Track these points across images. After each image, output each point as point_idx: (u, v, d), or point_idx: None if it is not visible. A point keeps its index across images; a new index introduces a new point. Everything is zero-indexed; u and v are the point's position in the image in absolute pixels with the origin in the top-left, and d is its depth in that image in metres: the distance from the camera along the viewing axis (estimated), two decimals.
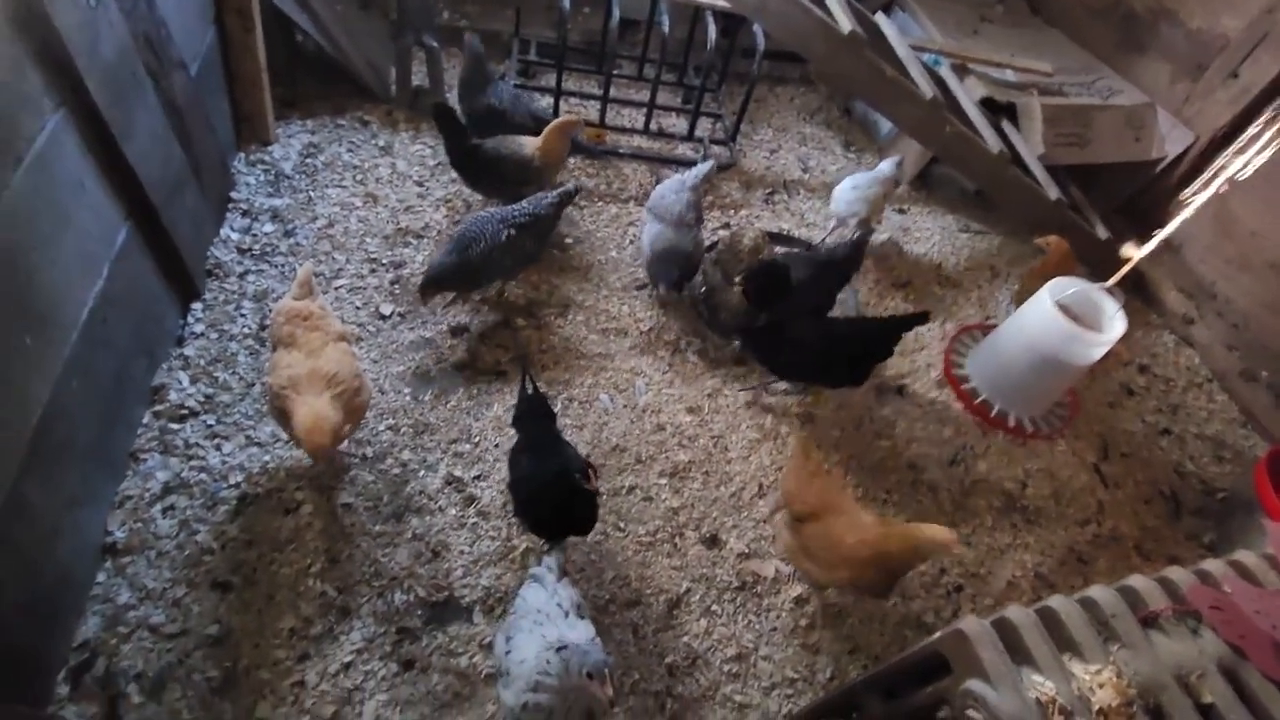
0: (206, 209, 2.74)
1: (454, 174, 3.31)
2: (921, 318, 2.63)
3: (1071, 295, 2.80)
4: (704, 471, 2.57)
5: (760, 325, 2.72)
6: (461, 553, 2.22)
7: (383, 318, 2.76)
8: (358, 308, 2.77)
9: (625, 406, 2.70)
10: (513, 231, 2.63)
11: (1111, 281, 3.02)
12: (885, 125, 4.16)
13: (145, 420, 2.28)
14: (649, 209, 2.99)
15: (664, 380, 2.80)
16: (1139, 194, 3.84)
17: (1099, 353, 2.67)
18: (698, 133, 3.88)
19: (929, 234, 3.76)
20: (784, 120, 4.30)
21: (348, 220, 3.04)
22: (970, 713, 1.20)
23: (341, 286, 2.82)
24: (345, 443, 2.22)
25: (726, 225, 3.50)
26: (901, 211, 3.87)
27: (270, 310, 2.65)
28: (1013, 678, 1.20)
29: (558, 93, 3.56)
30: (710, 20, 3.50)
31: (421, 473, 2.37)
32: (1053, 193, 3.42)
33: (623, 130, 3.85)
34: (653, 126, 3.86)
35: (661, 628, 2.18)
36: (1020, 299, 3.10)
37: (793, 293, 2.66)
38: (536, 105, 3.30)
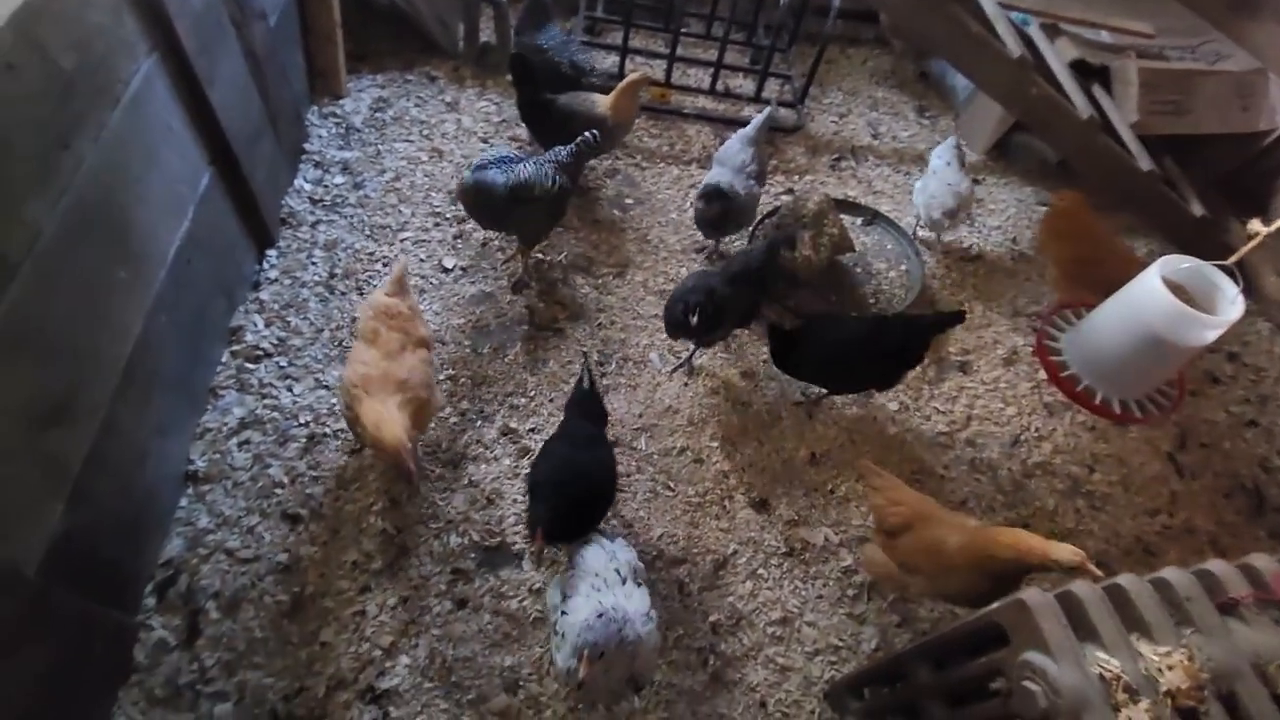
0: (282, 159, 2.83)
1: (518, 131, 3.32)
2: (956, 317, 2.37)
3: (1184, 272, 2.61)
4: (756, 438, 2.56)
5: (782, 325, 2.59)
6: (514, 501, 2.27)
7: (445, 270, 2.82)
8: (421, 260, 2.83)
9: (680, 368, 2.70)
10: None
11: (1234, 259, 2.71)
12: (963, 89, 3.96)
13: (224, 359, 2.40)
14: (716, 159, 2.93)
15: (720, 345, 2.78)
16: (1243, 169, 3.56)
17: (1212, 335, 2.49)
18: (765, 94, 3.78)
19: (1004, 206, 3.58)
20: (855, 83, 4.14)
21: (414, 174, 3.10)
22: (1027, 684, 1.17)
23: (406, 239, 2.88)
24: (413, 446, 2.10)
25: (790, 190, 3.42)
26: (976, 182, 3.70)
27: (340, 259, 2.75)
28: (1075, 652, 1.17)
29: (624, 50, 3.50)
30: None
31: (479, 423, 2.43)
32: (1144, 163, 3.20)
33: (688, 90, 3.77)
34: (719, 87, 3.78)
35: (707, 587, 2.20)
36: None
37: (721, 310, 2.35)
38: (581, 56, 3.21)
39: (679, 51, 3.64)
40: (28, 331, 1.48)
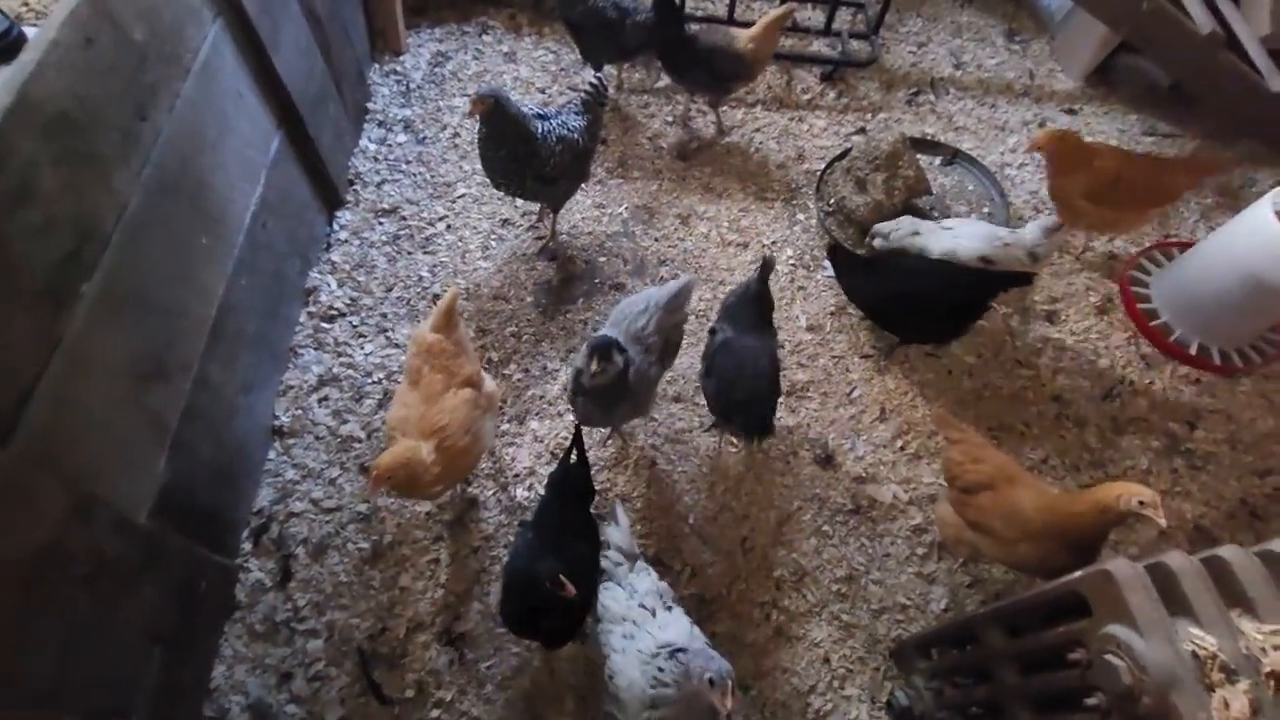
0: (346, 120, 2.87)
1: (576, 79, 3.25)
2: (1022, 278, 2.20)
3: None
4: (822, 392, 2.49)
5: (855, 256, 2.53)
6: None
7: (506, 223, 2.82)
8: (483, 216, 2.84)
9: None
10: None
11: None
12: (1059, 8, 3.58)
13: (301, 319, 2.51)
14: (610, 318, 2.10)
15: (784, 297, 2.69)
16: None
17: None
18: (835, 25, 3.53)
19: (1104, 138, 3.26)
20: (935, 8, 3.81)
21: (473, 129, 3.07)
22: (1110, 658, 1.11)
23: (466, 196, 2.89)
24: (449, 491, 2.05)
25: (862, 130, 3.22)
26: (1071, 112, 3.38)
27: (405, 217, 2.79)
28: (1165, 627, 1.09)
29: None
30: None
31: (542, 379, 2.46)
32: (1275, 84, 2.83)
33: (750, 24, 3.56)
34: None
35: (770, 543, 2.19)
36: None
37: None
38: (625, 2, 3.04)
39: None
40: (125, 295, 1.58)
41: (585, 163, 2.58)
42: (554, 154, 2.37)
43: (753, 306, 2.13)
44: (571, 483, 1.92)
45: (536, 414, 2.40)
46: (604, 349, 1.76)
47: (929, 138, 3.14)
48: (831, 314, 2.67)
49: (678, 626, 1.58)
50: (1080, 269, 2.84)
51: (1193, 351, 2.59)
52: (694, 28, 2.94)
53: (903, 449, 2.38)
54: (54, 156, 1.38)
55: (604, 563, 1.80)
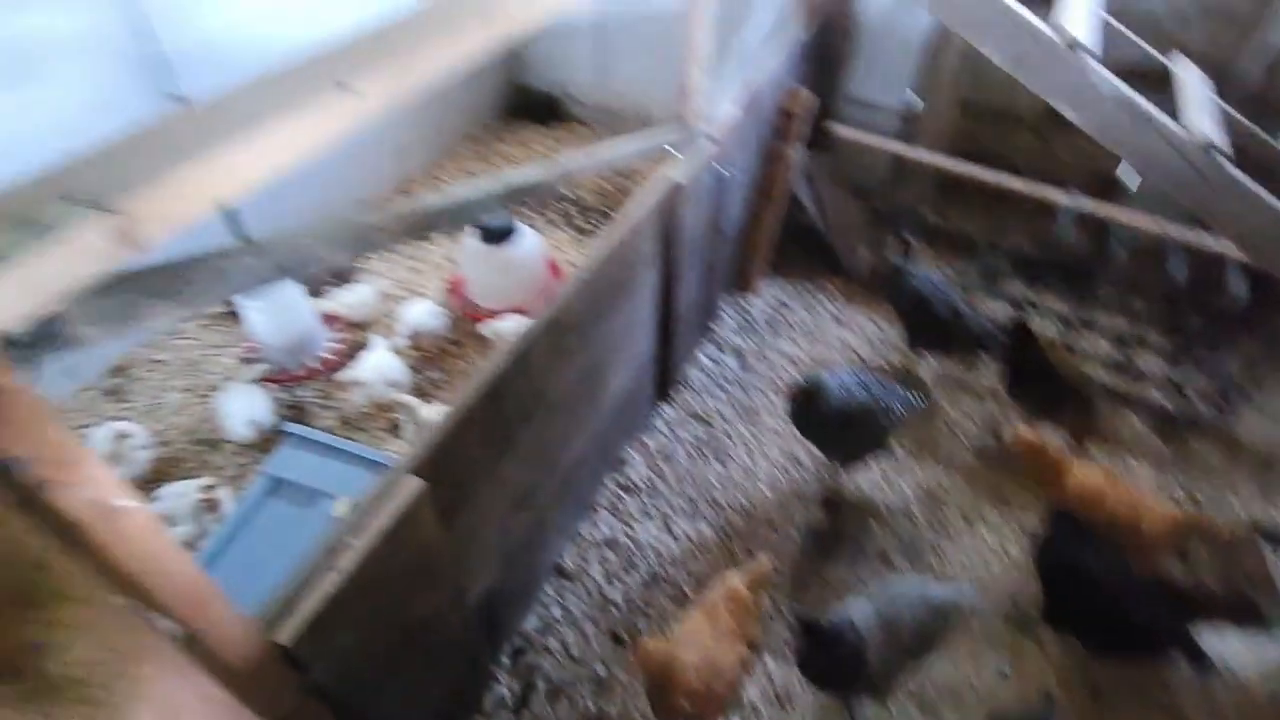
0: (695, 334, 3.50)
1: (892, 356, 3.56)
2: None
3: None
4: None
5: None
6: (805, 690, 2.31)
7: (797, 463, 3.10)
8: (779, 450, 3.16)
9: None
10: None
11: None
12: None
13: (607, 482, 2.98)
14: None
15: None
16: None
17: None
18: (1179, 374, 3.43)
19: None
20: None
21: (791, 372, 3.52)
22: None
23: (769, 428, 3.26)
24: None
25: (1194, 499, 2.99)
26: None
27: (714, 428, 3.22)
28: None
29: (1025, 305, 3.56)
30: (1233, 274, 3.14)
31: (784, 621, 2.56)
32: None
33: (1089, 358, 3.56)
34: (1118, 357, 3.55)
35: None
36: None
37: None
38: (956, 298, 3.30)
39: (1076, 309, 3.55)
40: (536, 444, 2.11)
41: (886, 436, 2.80)
42: (853, 427, 2.66)
43: None
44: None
45: (772, 651, 2.47)
46: (822, 630, 1.94)
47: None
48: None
49: None
50: None
51: None
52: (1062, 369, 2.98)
53: None
54: (547, 348, 1.99)
55: None
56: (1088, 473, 2.48)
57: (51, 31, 2.66)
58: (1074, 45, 1.96)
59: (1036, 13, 2.08)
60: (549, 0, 1.34)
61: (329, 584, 1.31)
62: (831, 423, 2.64)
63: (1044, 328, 3.77)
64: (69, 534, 0.76)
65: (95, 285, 0.69)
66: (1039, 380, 2.96)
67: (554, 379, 2.08)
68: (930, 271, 3.31)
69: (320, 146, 0.91)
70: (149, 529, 0.85)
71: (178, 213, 0.76)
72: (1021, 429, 2.63)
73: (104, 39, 2.82)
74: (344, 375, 2.98)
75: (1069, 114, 2.07)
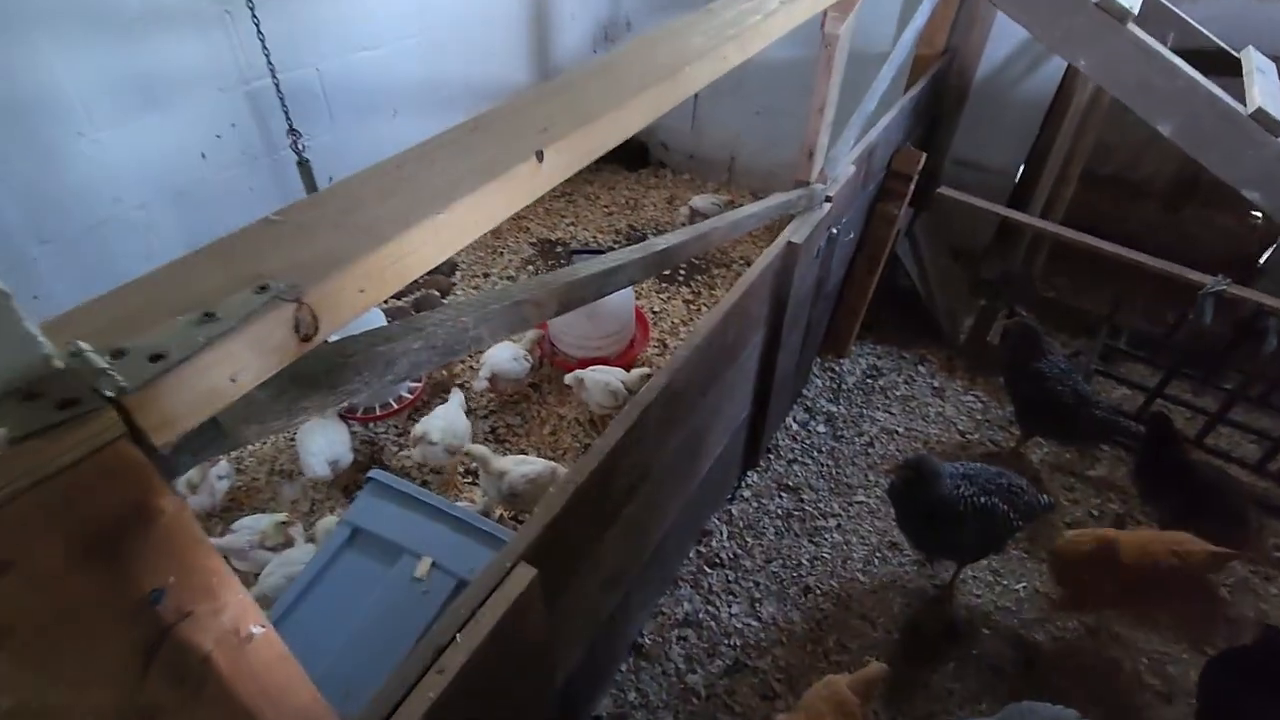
0: (787, 399, 3.31)
1: (996, 434, 3.29)
2: None
3: None
4: None
5: None
6: None
7: (895, 546, 2.85)
8: (874, 530, 2.91)
9: None
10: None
11: None
12: None
13: (691, 554, 2.78)
14: None
15: None
16: None
17: None
18: None
19: None
20: None
21: (886, 445, 3.29)
22: None
23: (863, 505, 3.02)
24: None
25: None
26: None
27: (804, 501, 3.01)
28: None
29: (1154, 393, 3.25)
30: None
31: None
32: None
33: (1227, 459, 3.18)
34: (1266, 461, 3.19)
35: None
36: None
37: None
38: (1084, 386, 3.01)
39: (1212, 401, 3.21)
40: (638, 521, 1.95)
41: (1003, 541, 2.52)
42: (966, 522, 2.37)
43: None
44: None
45: None
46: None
47: None
48: None
49: None
50: None
51: None
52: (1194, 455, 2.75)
53: None
54: (659, 419, 1.84)
55: None
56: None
57: (179, 64, 2.73)
58: (1276, 128, 1.74)
59: (1221, 84, 1.88)
60: (721, 60, 1.23)
61: (433, 688, 1.17)
62: (941, 518, 2.38)
63: (1182, 425, 3.44)
64: (196, 671, 0.63)
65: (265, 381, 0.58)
66: (1178, 482, 2.66)
67: (661, 450, 1.93)
68: (1052, 349, 3.05)
69: (498, 219, 0.80)
70: (279, 657, 0.72)
71: (361, 300, 0.65)
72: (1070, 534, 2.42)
73: (225, 73, 2.89)
74: (415, 429, 2.86)
75: (1260, 201, 1.84)
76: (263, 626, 0.67)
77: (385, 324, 0.92)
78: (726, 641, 2.52)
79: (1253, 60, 2.19)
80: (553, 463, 2.66)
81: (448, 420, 2.85)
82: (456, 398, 3.02)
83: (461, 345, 0.90)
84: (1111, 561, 2.30)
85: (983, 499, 2.35)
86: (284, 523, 2.57)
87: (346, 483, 2.95)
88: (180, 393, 0.52)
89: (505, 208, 0.79)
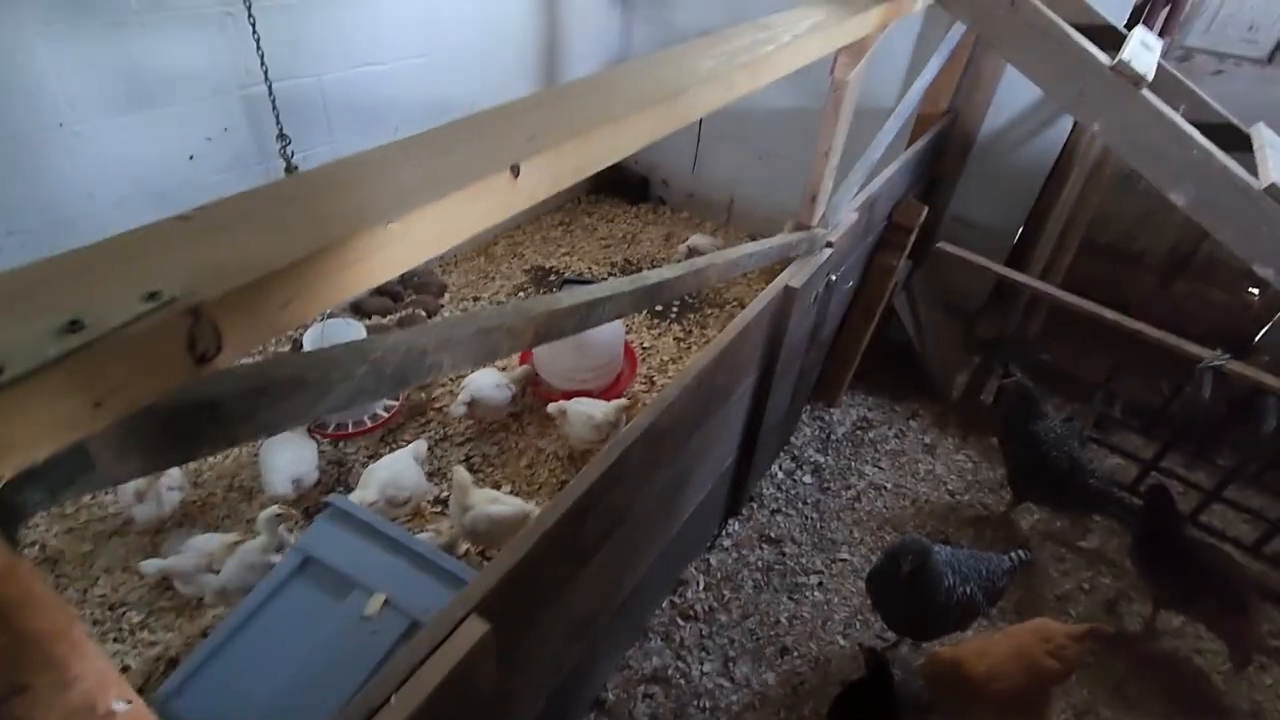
0: (774, 446, 3.20)
1: (986, 497, 3.20)
2: None
3: None
4: None
5: None
6: None
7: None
8: (856, 591, 2.78)
9: None
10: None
11: None
12: None
13: (664, 604, 2.64)
14: None
15: None
16: None
17: None
18: None
19: None
20: None
21: (873, 500, 3.18)
22: None
23: (847, 563, 2.89)
24: None
25: None
26: None
27: (785, 555, 2.88)
28: None
29: (1149, 465, 3.17)
30: None
31: None
32: None
33: (1221, 537, 3.08)
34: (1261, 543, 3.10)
35: None
36: None
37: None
38: (1080, 454, 2.92)
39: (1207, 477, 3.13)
40: (609, 568, 1.82)
41: (974, 618, 2.41)
42: (950, 612, 2.28)
43: None
44: None
45: None
46: None
47: None
48: None
49: None
50: None
51: None
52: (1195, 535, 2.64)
53: None
54: (640, 460, 1.73)
55: None
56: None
57: (174, 63, 2.66)
58: None
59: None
60: (729, 87, 1.16)
61: None
62: (930, 608, 2.27)
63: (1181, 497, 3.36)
64: None
65: (148, 408, 0.47)
66: (1178, 561, 2.55)
67: (640, 494, 1.82)
68: (1049, 413, 2.97)
69: (464, 234, 0.70)
70: None
71: (284, 316, 0.54)
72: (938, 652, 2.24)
73: (221, 75, 2.83)
74: (364, 474, 2.68)
75: (1273, 280, 1.78)
76: (128, 702, 0.54)
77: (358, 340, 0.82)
78: (696, 703, 2.37)
79: (1263, 136, 2.16)
80: (527, 506, 2.52)
81: (394, 473, 2.62)
82: (414, 448, 2.79)
83: (416, 374, 0.80)
84: (962, 679, 2.15)
85: (967, 589, 2.26)
86: (236, 544, 2.41)
87: (310, 504, 2.80)
88: (18, 416, 0.41)
89: (472, 223, 0.70)
